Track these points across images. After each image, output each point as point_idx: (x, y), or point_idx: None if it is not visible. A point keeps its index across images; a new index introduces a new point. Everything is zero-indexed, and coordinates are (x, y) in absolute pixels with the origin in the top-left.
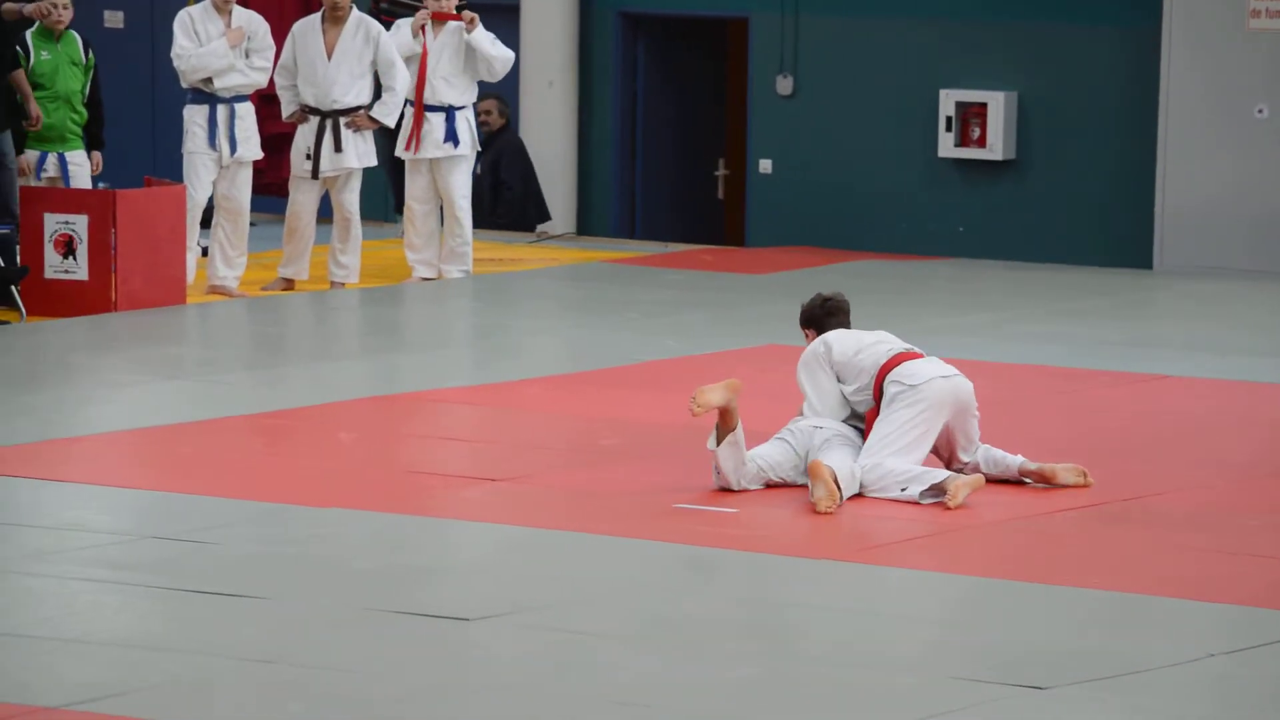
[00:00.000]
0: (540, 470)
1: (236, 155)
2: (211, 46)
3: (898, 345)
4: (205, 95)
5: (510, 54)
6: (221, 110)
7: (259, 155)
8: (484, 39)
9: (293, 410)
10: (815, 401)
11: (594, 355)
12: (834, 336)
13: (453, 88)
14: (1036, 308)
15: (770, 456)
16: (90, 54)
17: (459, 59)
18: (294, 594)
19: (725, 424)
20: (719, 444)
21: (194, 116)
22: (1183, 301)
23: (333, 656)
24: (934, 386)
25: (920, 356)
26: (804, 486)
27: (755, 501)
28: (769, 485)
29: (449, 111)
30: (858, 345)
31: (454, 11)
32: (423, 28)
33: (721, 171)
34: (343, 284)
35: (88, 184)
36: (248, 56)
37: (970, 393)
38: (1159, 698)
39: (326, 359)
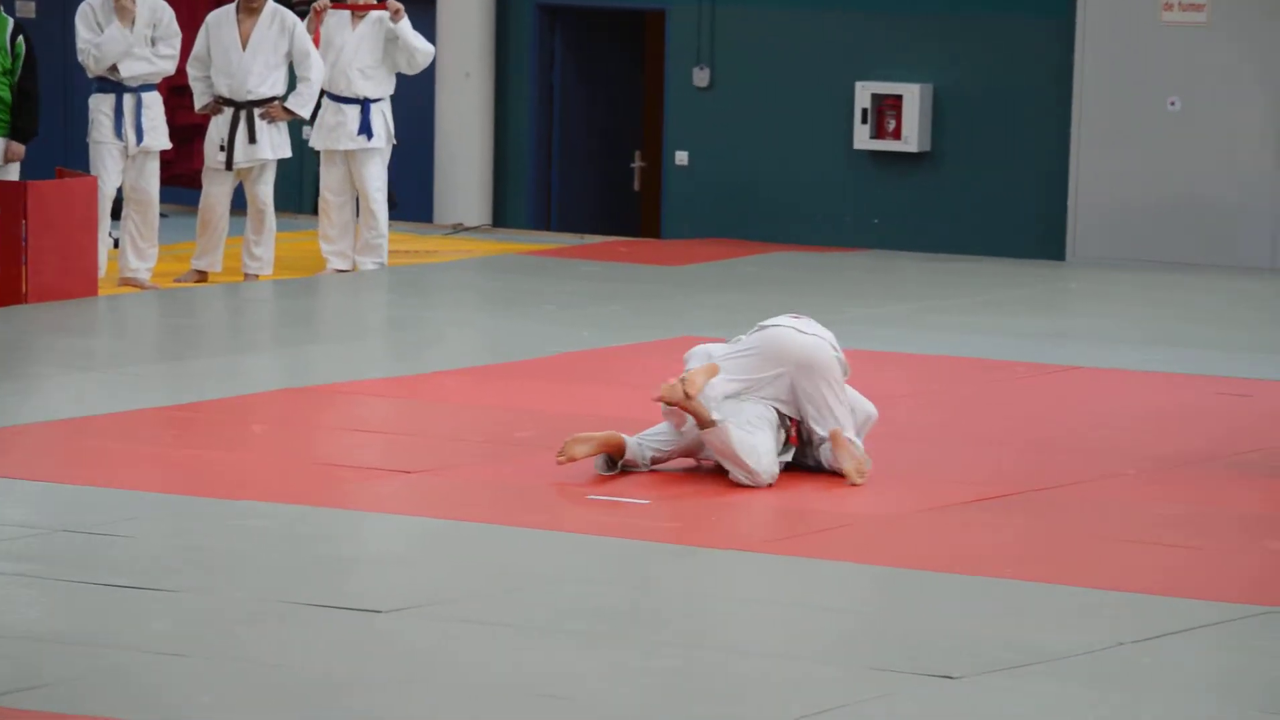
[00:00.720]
0: (455, 462)
1: (143, 145)
2: (107, 33)
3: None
4: (111, 84)
5: (432, 47)
6: (128, 99)
7: (167, 145)
8: (410, 30)
9: (206, 402)
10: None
11: (510, 347)
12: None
13: (369, 80)
14: (951, 299)
15: (662, 433)
16: (21, 40)
17: (377, 51)
18: (206, 586)
19: (614, 452)
20: (611, 469)
21: (100, 105)
22: (1096, 293)
23: (245, 649)
24: (779, 332)
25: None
26: (723, 476)
27: (669, 493)
28: (656, 461)
29: (364, 104)
30: None
31: (375, 2)
32: (318, 12)
33: (638, 163)
34: (256, 276)
35: (6, 175)
36: (154, 44)
37: (825, 362)
38: (1067, 686)
39: (240, 351)
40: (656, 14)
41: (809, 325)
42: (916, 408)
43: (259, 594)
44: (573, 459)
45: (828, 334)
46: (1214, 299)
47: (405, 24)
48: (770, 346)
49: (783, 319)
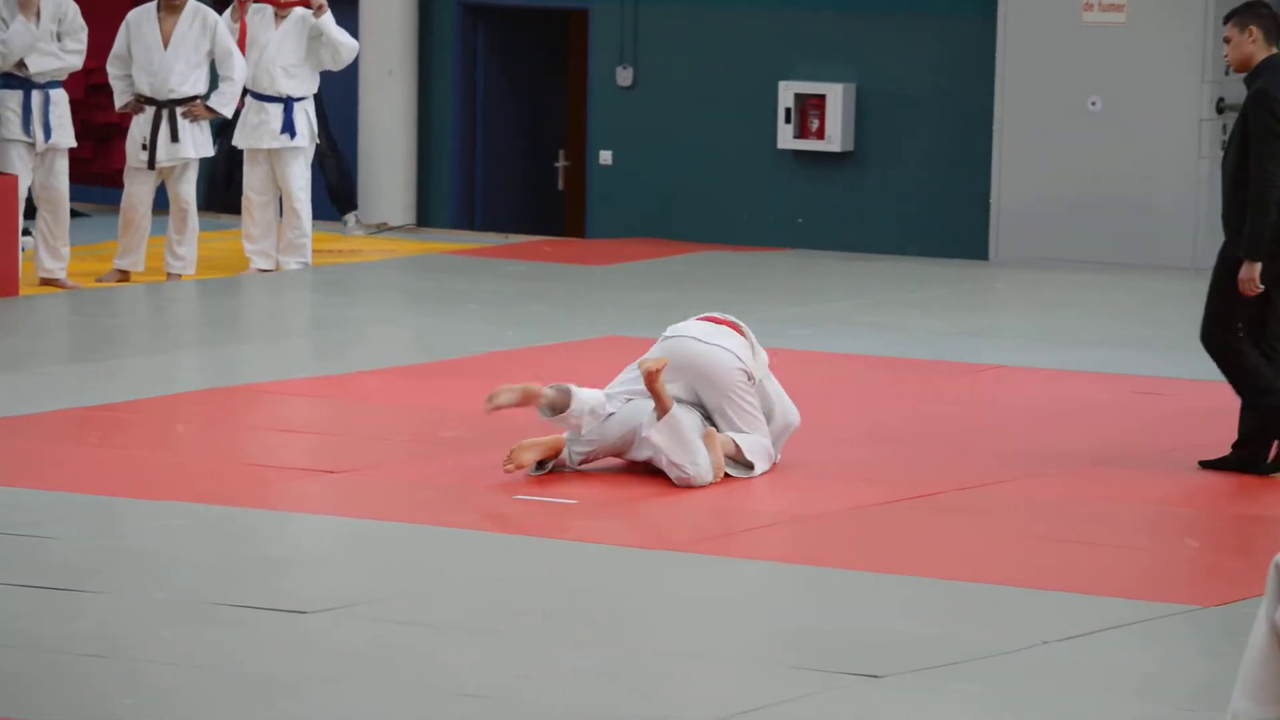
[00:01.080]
0: (380, 462)
1: (51, 142)
2: (12, 28)
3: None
4: (19, 80)
5: (355, 43)
6: (36, 96)
7: (73, 143)
8: (333, 25)
9: (129, 402)
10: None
11: (434, 346)
12: None
13: (292, 78)
14: (874, 298)
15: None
16: None
17: (300, 49)
18: (129, 588)
19: (550, 453)
20: (542, 470)
21: (6, 101)
22: (1018, 292)
23: (168, 650)
24: (679, 343)
25: (719, 321)
26: (652, 476)
27: (596, 493)
28: (583, 460)
29: (287, 102)
30: None
31: None
32: (241, 3)
33: (562, 163)
34: (179, 275)
35: None
36: (60, 39)
37: (723, 372)
38: (991, 684)
39: (164, 351)
40: (580, 13)
41: (713, 332)
42: (842, 407)
43: (184, 595)
44: (521, 465)
45: (734, 340)
46: (1135, 299)
47: (328, 18)
48: (671, 358)
49: (689, 325)
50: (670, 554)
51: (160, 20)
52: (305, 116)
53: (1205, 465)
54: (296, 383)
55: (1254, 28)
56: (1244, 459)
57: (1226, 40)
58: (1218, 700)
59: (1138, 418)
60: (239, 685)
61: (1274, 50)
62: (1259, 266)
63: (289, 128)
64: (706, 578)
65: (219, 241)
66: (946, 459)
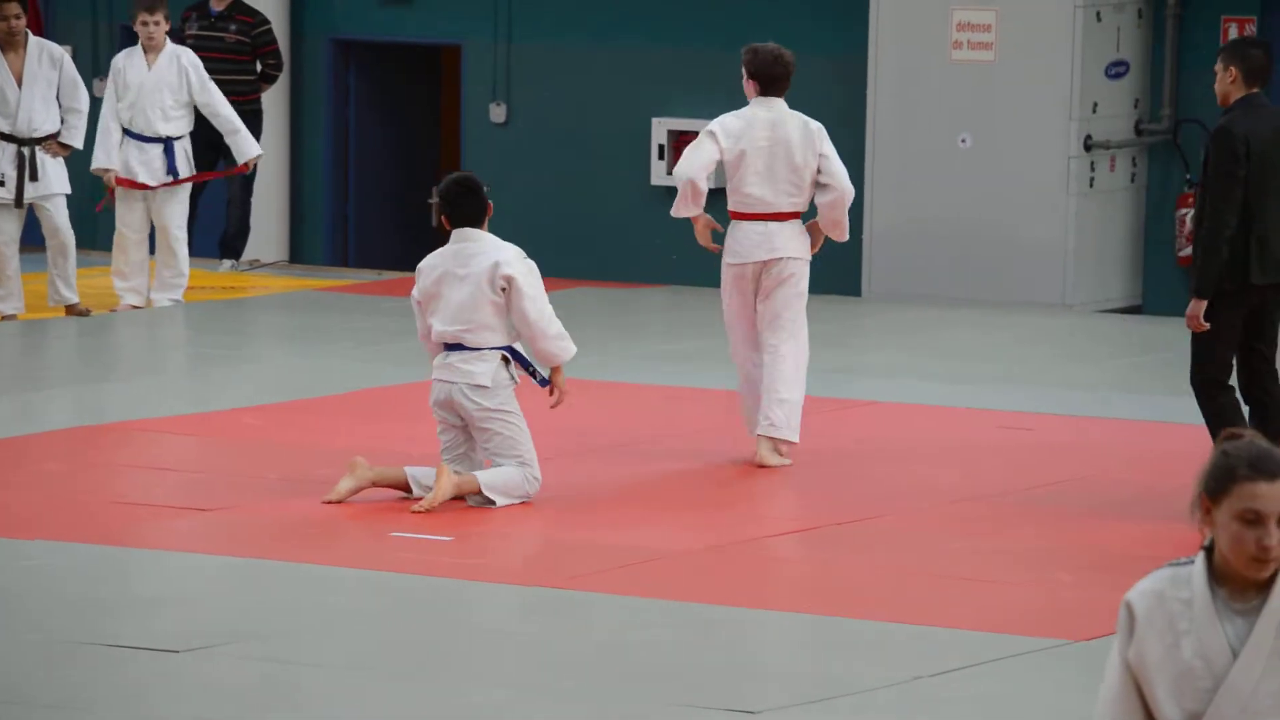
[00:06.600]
0: (254, 500)
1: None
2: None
3: None
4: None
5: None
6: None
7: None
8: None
9: None
10: None
11: (308, 384)
12: None
13: (169, 120)
14: None
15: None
16: None
17: (177, 89)
18: (1, 629)
19: (394, 485)
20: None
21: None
22: (890, 328)
23: (39, 691)
24: None
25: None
26: (529, 509)
27: (472, 530)
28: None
29: (166, 143)
30: None
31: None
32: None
33: (435, 199)
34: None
35: None
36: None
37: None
38: (865, 718)
39: (33, 388)
40: (452, 49)
41: None
42: (713, 443)
43: (54, 635)
44: (338, 497)
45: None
46: (1004, 335)
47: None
48: None
49: None
50: (545, 590)
51: (7, 60)
52: (185, 156)
53: None
54: (169, 420)
55: (1234, 68)
56: None
57: (1216, 72)
58: None
59: (1007, 453)
60: None
61: (1254, 90)
62: (1204, 304)
63: (171, 169)
64: (584, 614)
65: (88, 279)
66: (817, 495)
